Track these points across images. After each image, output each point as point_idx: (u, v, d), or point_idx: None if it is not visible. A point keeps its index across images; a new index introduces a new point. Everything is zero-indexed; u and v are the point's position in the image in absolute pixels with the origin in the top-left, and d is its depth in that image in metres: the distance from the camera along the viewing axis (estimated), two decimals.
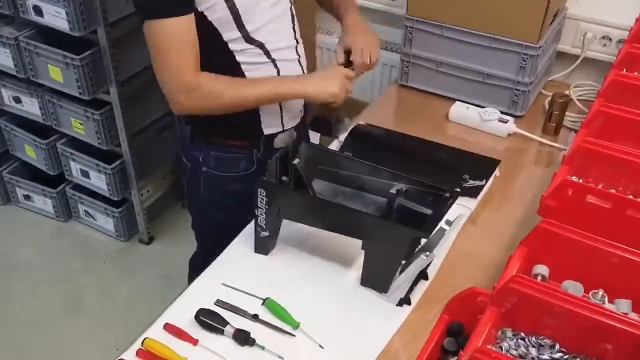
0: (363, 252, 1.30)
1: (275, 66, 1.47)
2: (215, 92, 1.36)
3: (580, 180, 1.31)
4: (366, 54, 1.52)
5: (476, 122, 1.84)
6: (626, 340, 0.96)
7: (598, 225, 1.12)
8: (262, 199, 1.31)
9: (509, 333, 1.05)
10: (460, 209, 1.38)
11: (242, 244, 1.43)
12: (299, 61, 1.55)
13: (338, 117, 2.48)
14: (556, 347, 1.04)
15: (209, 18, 1.32)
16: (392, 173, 1.33)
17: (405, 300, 1.30)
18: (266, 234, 1.37)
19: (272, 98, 1.44)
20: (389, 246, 1.26)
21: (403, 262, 1.27)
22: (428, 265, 1.32)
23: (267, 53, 1.44)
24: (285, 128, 1.58)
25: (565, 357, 1.02)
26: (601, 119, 1.40)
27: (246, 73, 1.42)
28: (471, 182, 1.57)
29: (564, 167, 1.29)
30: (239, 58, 1.41)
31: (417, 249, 1.26)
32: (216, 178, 1.60)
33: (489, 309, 1.02)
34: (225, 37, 1.36)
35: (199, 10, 1.30)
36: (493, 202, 1.59)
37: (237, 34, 1.37)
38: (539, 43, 1.78)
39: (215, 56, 1.38)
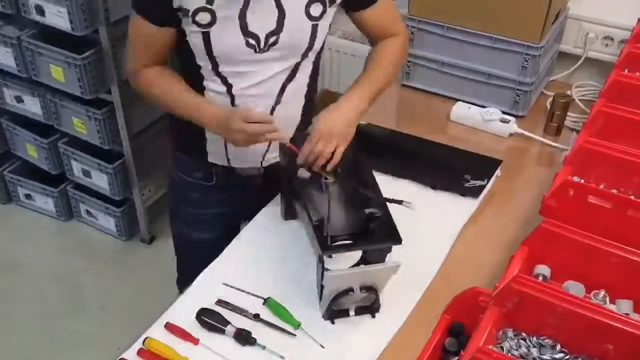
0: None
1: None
2: (147, 95, 1.41)
3: (582, 181, 1.31)
4: (315, 142, 1.30)
5: (478, 122, 1.84)
6: (627, 341, 0.96)
7: (599, 226, 1.12)
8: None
9: (510, 333, 1.05)
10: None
11: (242, 245, 1.44)
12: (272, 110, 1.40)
13: None
14: (557, 348, 1.04)
15: (187, 39, 1.30)
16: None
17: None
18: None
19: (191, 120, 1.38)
20: None
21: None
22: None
23: (232, 96, 1.36)
24: (232, 165, 1.49)
25: (567, 357, 1.02)
26: (603, 119, 1.39)
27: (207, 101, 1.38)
28: (472, 182, 1.56)
29: (566, 167, 1.29)
30: (205, 84, 1.37)
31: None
32: (180, 181, 1.58)
33: (490, 309, 1.02)
34: (199, 62, 1.34)
35: (182, 28, 1.30)
36: (494, 202, 1.59)
37: (209, 65, 1.33)
38: (540, 43, 1.78)
39: (188, 71, 1.37)
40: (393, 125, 1.84)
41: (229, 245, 1.43)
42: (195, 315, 1.24)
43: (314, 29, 1.34)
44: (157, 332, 1.23)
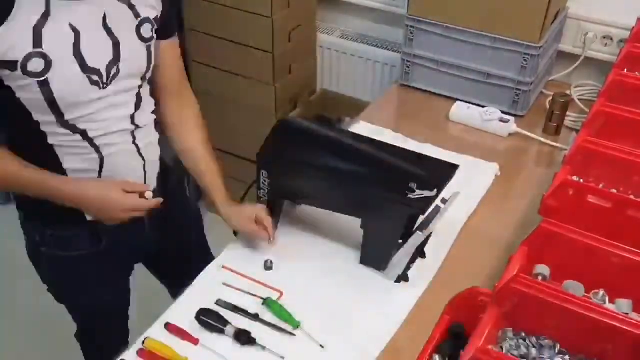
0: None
1: (98, 151, 1.26)
2: None
3: (581, 180, 1.31)
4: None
5: (477, 121, 1.84)
6: (627, 341, 0.96)
7: (599, 225, 1.12)
8: (264, 180, 1.35)
9: (510, 333, 1.05)
10: (456, 187, 1.34)
11: (242, 245, 1.44)
12: (134, 143, 1.32)
13: (339, 117, 2.48)
14: (557, 347, 1.04)
15: (17, 95, 1.16)
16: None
17: (403, 277, 1.34)
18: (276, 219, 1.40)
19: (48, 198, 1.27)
20: (387, 223, 1.29)
21: (400, 240, 1.30)
22: (425, 243, 1.37)
23: (89, 140, 1.25)
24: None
25: (566, 357, 1.02)
26: (602, 119, 1.39)
27: (61, 157, 1.25)
28: (418, 192, 1.26)
29: (565, 167, 1.29)
30: (51, 140, 1.23)
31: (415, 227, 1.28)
32: (60, 259, 1.44)
33: (489, 308, 1.02)
34: (37, 117, 1.20)
35: (5, 83, 1.15)
36: (494, 201, 1.59)
37: (52, 118, 1.20)
38: (540, 43, 1.78)
39: (25, 133, 1.22)
40: (392, 125, 1.85)
41: (228, 246, 1.44)
42: (195, 315, 1.24)
43: (148, 50, 1.28)
44: (156, 332, 1.23)
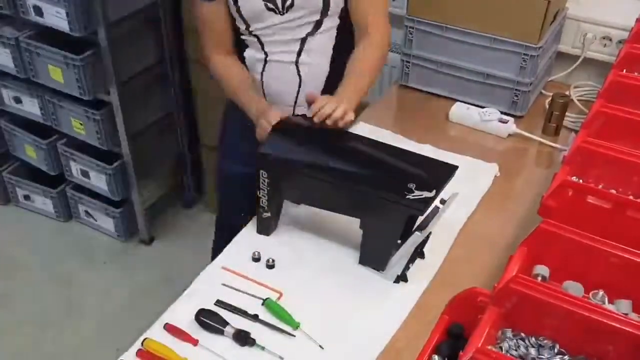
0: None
1: (266, 55, 1.59)
2: (216, 77, 1.65)
3: (581, 181, 1.31)
4: (324, 102, 1.40)
5: (476, 122, 1.84)
6: (626, 341, 0.96)
7: (598, 226, 1.12)
8: (264, 180, 1.36)
9: (509, 333, 1.05)
10: (456, 188, 1.35)
11: (241, 245, 1.44)
12: (297, 63, 1.58)
13: None
14: (556, 348, 1.04)
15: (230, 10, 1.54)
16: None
17: (402, 277, 1.34)
18: (268, 214, 1.41)
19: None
20: (387, 223, 1.30)
21: (399, 240, 1.31)
22: (424, 243, 1.37)
23: (261, 44, 1.58)
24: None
25: (565, 357, 1.02)
26: (601, 120, 1.39)
27: (244, 48, 1.61)
28: (417, 192, 1.27)
29: (564, 167, 1.29)
30: (243, 37, 1.59)
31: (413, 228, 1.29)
32: (235, 123, 1.73)
33: (489, 309, 1.02)
34: (238, 24, 1.56)
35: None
36: (493, 202, 1.59)
37: (243, 26, 1.55)
38: (539, 43, 1.78)
39: (236, 33, 1.60)
40: (391, 125, 1.85)
41: (228, 246, 1.44)
42: (194, 315, 1.24)
43: None
44: (156, 333, 1.23)
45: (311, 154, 1.38)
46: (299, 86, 1.60)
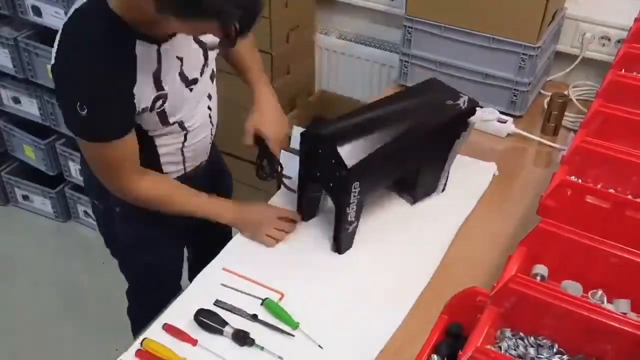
0: (360, 256, 1.35)
1: (185, 137, 1.42)
2: (153, 202, 1.40)
3: (579, 180, 1.31)
4: (277, 145, 1.49)
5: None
6: (625, 340, 0.96)
7: (597, 225, 1.12)
8: (354, 192, 1.32)
9: (508, 333, 1.05)
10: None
11: (241, 245, 1.44)
12: (209, 116, 1.48)
13: (338, 117, 2.48)
14: (555, 347, 1.04)
15: (138, 122, 1.30)
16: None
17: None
18: (355, 224, 1.39)
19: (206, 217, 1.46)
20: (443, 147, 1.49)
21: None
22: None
23: (182, 126, 1.39)
24: (186, 167, 1.50)
25: (564, 357, 1.02)
26: (600, 119, 1.40)
27: (156, 141, 1.39)
28: (457, 102, 1.44)
29: (563, 167, 1.29)
30: (151, 134, 1.37)
31: None
32: (133, 219, 1.52)
33: (488, 308, 1.02)
34: (150, 132, 1.36)
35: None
36: (492, 202, 1.59)
37: (160, 127, 1.35)
38: (537, 43, 1.78)
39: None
40: None
41: (226, 246, 1.44)
42: (193, 315, 1.24)
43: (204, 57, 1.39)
44: (155, 333, 1.23)
45: (368, 141, 1.32)
46: (211, 126, 1.51)
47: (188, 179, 1.49)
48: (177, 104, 1.33)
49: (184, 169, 1.49)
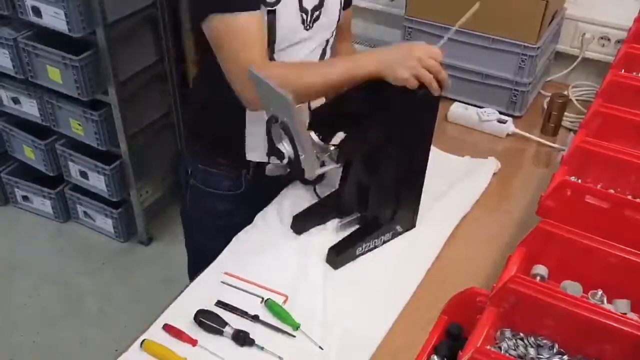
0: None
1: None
2: (284, 77, 1.25)
3: (579, 181, 1.31)
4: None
5: (475, 122, 1.84)
6: (625, 341, 0.96)
7: (597, 226, 1.12)
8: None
9: (508, 333, 1.05)
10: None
11: (241, 245, 1.43)
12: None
13: None
14: (555, 348, 1.04)
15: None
16: None
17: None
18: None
19: (343, 80, 1.29)
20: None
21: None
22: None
23: None
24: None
25: (564, 357, 1.02)
26: (600, 119, 1.40)
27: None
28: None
29: (563, 167, 1.29)
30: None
31: None
32: (202, 194, 1.56)
33: (487, 309, 1.02)
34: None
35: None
36: (492, 202, 1.59)
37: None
38: (537, 43, 1.78)
39: None
40: None
41: (227, 246, 1.43)
42: (193, 316, 1.24)
43: (340, 4, 1.44)
44: (155, 334, 1.22)
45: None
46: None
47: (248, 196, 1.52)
48: (288, 21, 1.30)
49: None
